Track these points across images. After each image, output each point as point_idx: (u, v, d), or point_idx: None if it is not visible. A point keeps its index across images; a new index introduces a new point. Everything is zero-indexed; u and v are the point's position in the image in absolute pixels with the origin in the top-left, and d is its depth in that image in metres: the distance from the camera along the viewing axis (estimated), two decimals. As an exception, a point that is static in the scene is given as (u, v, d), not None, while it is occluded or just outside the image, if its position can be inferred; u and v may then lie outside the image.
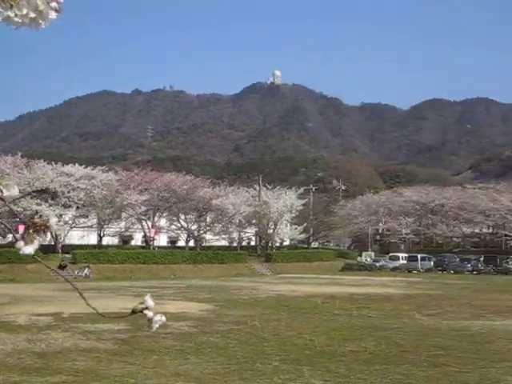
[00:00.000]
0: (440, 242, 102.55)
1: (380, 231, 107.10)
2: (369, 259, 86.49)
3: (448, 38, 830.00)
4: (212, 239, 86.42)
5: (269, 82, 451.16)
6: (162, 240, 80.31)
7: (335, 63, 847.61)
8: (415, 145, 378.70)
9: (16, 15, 1.40)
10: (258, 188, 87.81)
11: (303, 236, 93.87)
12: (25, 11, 1.39)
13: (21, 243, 1.54)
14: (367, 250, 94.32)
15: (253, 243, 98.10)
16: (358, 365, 15.00)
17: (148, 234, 73.79)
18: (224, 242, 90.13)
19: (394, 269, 75.67)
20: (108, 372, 13.83)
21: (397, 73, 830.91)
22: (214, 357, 15.86)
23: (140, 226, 75.72)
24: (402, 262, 78.80)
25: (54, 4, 1.45)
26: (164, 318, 1.83)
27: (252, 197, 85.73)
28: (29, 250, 1.55)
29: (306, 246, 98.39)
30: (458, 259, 78.84)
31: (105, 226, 72.51)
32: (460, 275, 67.54)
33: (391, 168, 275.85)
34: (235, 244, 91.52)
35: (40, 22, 1.43)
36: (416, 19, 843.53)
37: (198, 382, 12.99)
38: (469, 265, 74.60)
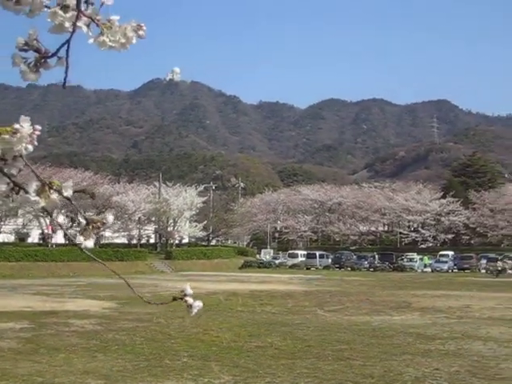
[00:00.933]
0: (337, 239, 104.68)
1: (279, 229, 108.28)
2: (268, 256, 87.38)
3: (344, 39, 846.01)
4: (111, 236, 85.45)
5: (167, 79, 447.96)
6: (59, 237, 78.82)
7: (234, 61, 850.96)
8: (312, 144, 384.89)
9: (110, 40, 1.50)
10: (157, 185, 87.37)
11: (203, 233, 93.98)
12: (118, 37, 1.50)
13: (81, 238, 1.65)
14: (266, 248, 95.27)
15: (152, 240, 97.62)
16: (265, 360, 15.23)
17: (46, 231, 72.35)
18: (123, 240, 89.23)
19: (293, 266, 76.67)
20: (15, 371, 13.57)
21: (295, 72, 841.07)
22: (122, 354, 15.79)
23: (38, 223, 74.16)
24: (300, 259, 79.91)
25: (141, 32, 1.56)
26: (201, 304, 1.96)
27: (152, 194, 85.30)
28: (90, 244, 1.73)
29: (205, 243, 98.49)
30: (355, 256, 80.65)
31: (1, 223, 70.70)
32: (357, 272, 69.14)
33: (289, 166, 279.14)
34: (135, 241, 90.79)
35: (127, 46, 1.54)
36: (313, 15, 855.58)
37: (108, 380, 12.91)
38: (365, 262, 76.44)
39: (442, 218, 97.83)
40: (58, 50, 1.48)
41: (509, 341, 18.58)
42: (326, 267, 76.53)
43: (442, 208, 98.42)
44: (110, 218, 1.69)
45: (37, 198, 1.54)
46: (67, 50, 1.46)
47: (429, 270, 74.12)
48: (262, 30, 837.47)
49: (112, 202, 74.79)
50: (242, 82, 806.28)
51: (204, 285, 42.45)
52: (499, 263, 62.79)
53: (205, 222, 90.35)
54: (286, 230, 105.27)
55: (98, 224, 1.65)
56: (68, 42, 1.43)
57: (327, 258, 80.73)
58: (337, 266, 77.99)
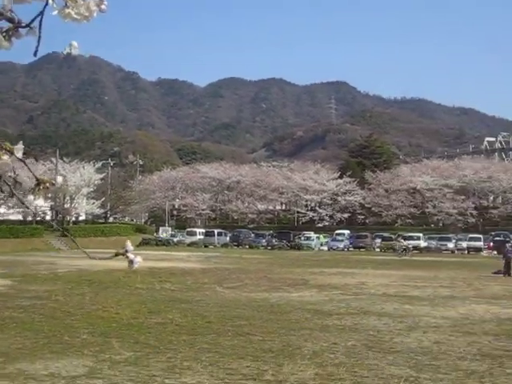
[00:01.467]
0: (236, 217, 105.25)
1: (177, 207, 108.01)
2: (165, 234, 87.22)
3: (244, 18, 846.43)
4: (6, 213, 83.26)
5: (65, 53, 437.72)
6: None
7: (133, 36, 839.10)
8: (211, 122, 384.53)
9: (75, 13, 1.54)
10: (54, 161, 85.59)
11: (100, 211, 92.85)
12: (82, 10, 1.54)
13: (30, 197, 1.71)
14: (164, 226, 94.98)
15: (48, 217, 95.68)
16: (166, 336, 15.30)
17: None
18: (19, 216, 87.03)
19: (192, 244, 76.79)
20: None
21: (195, 50, 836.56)
22: (20, 331, 15.54)
23: None
24: (199, 237, 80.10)
25: (103, 6, 1.60)
26: (141, 259, 2.03)
27: (49, 170, 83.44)
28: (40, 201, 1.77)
29: (102, 220, 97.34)
30: (253, 235, 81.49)
31: None
32: (255, 250, 69.91)
33: (188, 144, 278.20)
34: (30, 218, 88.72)
35: (89, 19, 1.59)
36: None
37: (7, 357, 12.70)
38: (263, 240, 77.32)
39: (339, 198, 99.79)
40: (32, 20, 1.51)
41: (402, 316, 19.26)
42: (225, 245, 77.04)
43: (339, 188, 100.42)
44: (60, 179, 1.76)
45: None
46: (40, 21, 1.49)
47: (325, 248, 75.68)
48: (162, 4, 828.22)
49: (6, 178, 72.60)
50: (142, 58, 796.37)
51: (102, 262, 41.99)
52: (404, 242, 64.65)
53: (102, 200, 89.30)
54: (185, 208, 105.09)
55: (47, 184, 1.72)
56: (42, 13, 1.47)
57: (225, 236, 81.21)
58: (235, 244, 78.57)
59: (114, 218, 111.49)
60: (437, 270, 40.37)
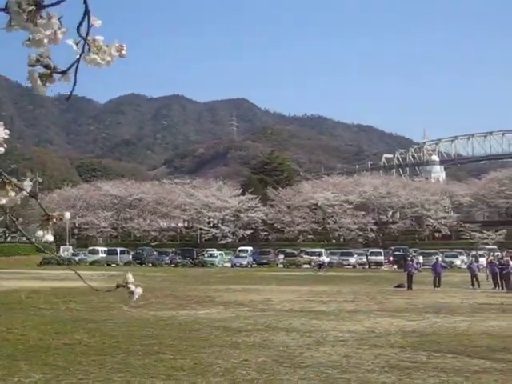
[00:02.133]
0: (138, 235, 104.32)
1: (77, 225, 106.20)
2: (66, 253, 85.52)
3: (143, 34, 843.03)
4: None
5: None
6: None
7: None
8: (112, 139, 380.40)
9: (100, 59, 1.56)
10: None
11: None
12: (105, 56, 1.56)
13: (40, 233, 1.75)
14: (65, 244, 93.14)
15: None
16: (75, 357, 15.01)
17: None
18: None
19: (94, 262, 75.55)
20: None
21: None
22: None
23: None
24: (101, 255, 78.96)
25: (123, 52, 1.63)
26: (141, 291, 2.05)
27: None
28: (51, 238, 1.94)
29: (2, 240, 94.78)
30: (155, 252, 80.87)
31: None
32: (159, 268, 69.34)
33: (87, 161, 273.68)
34: None
35: (111, 64, 1.62)
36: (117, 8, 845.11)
37: None
38: (167, 258, 76.82)
39: (241, 215, 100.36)
40: (68, 68, 1.53)
41: (310, 331, 19.49)
42: (128, 263, 76.08)
43: (242, 204, 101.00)
44: (68, 214, 1.80)
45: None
46: (76, 68, 1.52)
47: (229, 265, 75.79)
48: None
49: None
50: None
51: (2, 282, 40.93)
52: (320, 258, 65.53)
53: (1, 218, 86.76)
54: (86, 226, 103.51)
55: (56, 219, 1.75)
56: (78, 60, 1.49)
57: (128, 254, 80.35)
58: (138, 262, 77.76)
59: (13, 238, 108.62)
60: (340, 285, 41.07)
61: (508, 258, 40.29)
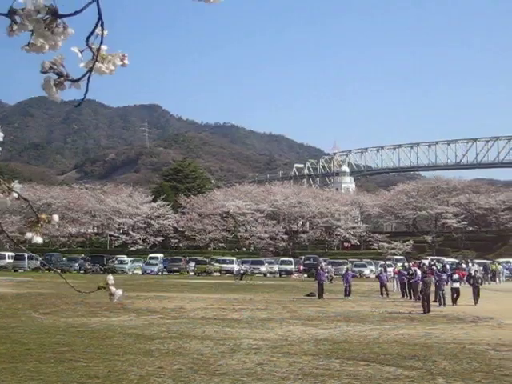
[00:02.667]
0: (46, 240, 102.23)
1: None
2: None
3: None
4: None
5: None
6: None
7: None
8: (20, 142, 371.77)
9: (105, 67, 1.58)
10: None
11: None
12: (110, 65, 1.57)
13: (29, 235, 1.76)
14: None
15: None
16: (-16, 365, 14.66)
17: None
18: None
19: (0, 268, 73.68)
20: None
21: (3, 65, 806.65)
22: None
23: None
24: (8, 260, 77.01)
25: (126, 61, 1.64)
26: (121, 292, 2.05)
27: None
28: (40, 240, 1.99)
29: None
30: (64, 258, 79.41)
31: None
32: (68, 274, 68.03)
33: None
34: None
35: (113, 73, 1.63)
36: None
37: None
38: (76, 264, 75.53)
39: (152, 221, 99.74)
40: (82, 76, 1.54)
41: (223, 339, 19.56)
42: (36, 269, 74.48)
43: (153, 211, 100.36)
44: (55, 217, 1.82)
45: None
46: (89, 77, 1.52)
47: (139, 272, 75.12)
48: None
49: None
50: None
51: None
52: (243, 266, 65.49)
53: None
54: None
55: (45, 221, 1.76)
56: (90, 70, 1.49)
57: (36, 259, 78.54)
58: (46, 268, 76.03)
59: None
60: (252, 293, 41.28)
61: (416, 268, 41.40)
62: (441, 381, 13.55)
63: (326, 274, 45.35)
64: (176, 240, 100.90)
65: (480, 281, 34.27)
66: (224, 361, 15.73)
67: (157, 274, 72.69)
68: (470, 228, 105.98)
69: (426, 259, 65.12)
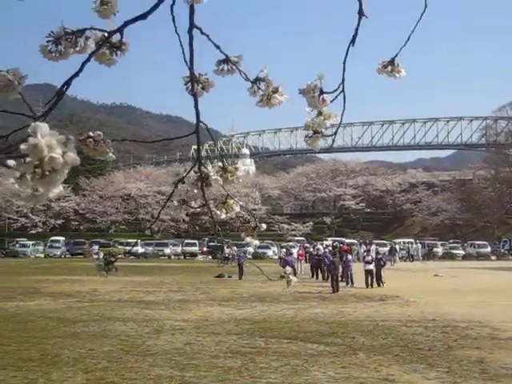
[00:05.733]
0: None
1: None
2: None
3: None
4: None
5: None
6: None
7: None
8: None
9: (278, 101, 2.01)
10: None
11: None
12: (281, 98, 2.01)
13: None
14: None
15: None
16: None
17: None
18: None
19: None
20: None
21: None
22: None
23: None
24: None
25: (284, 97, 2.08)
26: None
27: None
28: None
29: None
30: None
31: None
32: (-33, 258, 66.61)
33: None
34: None
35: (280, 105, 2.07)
36: None
37: None
38: (-26, 248, 73.97)
39: (53, 204, 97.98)
40: (334, 133, 1.96)
41: (146, 320, 19.93)
42: None
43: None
44: None
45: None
46: (337, 130, 1.96)
47: (42, 255, 74.04)
48: None
49: None
50: None
51: None
52: (227, 250, 64.85)
53: None
54: None
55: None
56: (340, 124, 1.94)
57: None
58: None
59: None
60: (161, 275, 41.58)
61: (320, 247, 42.83)
62: (362, 356, 14.38)
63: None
64: (77, 223, 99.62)
65: (382, 262, 35.33)
66: (152, 341, 16.15)
67: (60, 257, 71.85)
68: (368, 209, 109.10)
69: (326, 240, 66.94)
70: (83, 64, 1.62)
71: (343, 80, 1.93)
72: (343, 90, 1.94)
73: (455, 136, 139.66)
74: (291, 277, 2.37)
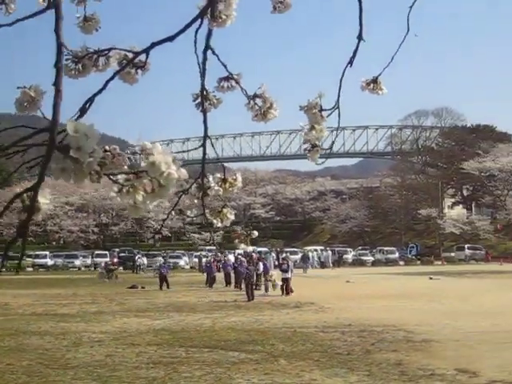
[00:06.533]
0: None
1: None
2: None
3: None
4: None
5: None
6: None
7: None
8: None
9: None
10: None
11: None
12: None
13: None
14: None
15: None
16: None
17: None
18: None
19: None
20: None
21: None
22: None
23: None
24: None
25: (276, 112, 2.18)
26: None
27: None
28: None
29: None
30: None
31: None
32: None
33: None
34: None
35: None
36: None
37: None
38: None
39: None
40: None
41: (63, 333, 19.64)
42: None
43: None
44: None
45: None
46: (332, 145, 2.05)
47: None
48: None
49: None
50: None
51: None
52: (139, 261, 63.60)
53: None
54: None
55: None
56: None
57: None
58: None
59: None
60: (73, 288, 40.82)
61: (230, 257, 43.02)
62: (283, 362, 14.57)
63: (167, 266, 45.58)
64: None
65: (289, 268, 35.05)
66: (71, 354, 15.95)
67: None
68: (278, 218, 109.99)
69: (237, 249, 67.12)
70: (107, 82, 1.68)
71: (338, 96, 2.05)
72: (338, 107, 2.07)
73: (361, 144, 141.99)
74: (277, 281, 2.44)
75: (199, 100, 1.96)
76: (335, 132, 2.30)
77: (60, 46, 1.54)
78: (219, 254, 57.01)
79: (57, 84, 1.48)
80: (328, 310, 25.32)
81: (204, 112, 1.95)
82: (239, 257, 39.30)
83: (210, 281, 41.14)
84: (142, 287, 39.65)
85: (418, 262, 79.32)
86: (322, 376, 12.97)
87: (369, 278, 46.62)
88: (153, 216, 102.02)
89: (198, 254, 67.04)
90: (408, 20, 2.13)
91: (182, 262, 71.17)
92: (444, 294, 31.86)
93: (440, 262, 77.21)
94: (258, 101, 1.98)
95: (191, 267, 67.96)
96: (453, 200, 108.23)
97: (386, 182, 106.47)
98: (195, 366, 14.19)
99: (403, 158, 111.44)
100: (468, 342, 16.74)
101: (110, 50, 1.80)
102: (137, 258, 64.60)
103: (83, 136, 1.35)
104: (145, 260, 64.82)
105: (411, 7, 2.15)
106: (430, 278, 45.32)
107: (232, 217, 2.25)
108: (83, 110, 1.69)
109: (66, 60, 1.76)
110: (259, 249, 69.79)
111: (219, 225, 2.25)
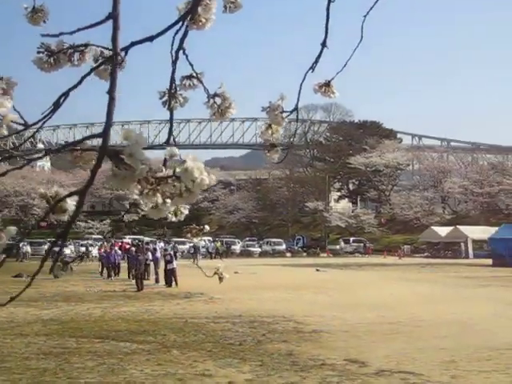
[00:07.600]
0: None
1: None
2: None
3: None
4: None
5: None
6: None
7: None
8: None
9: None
10: None
11: None
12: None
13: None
14: None
15: None
16: None
17: None
18: None
19: None
20: None
21: None
22: None
23: None
24: None
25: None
26: None
27: None
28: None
29: None
30: None
31: None
32: None
33: None
34: None
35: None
36: None
37: None
38: None
39: None
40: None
41: None
42: None
43: None
44: None
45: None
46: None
47: None
48: None
49: None
50: None
51: None
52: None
53: None
54: None
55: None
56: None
57: None
58: None
59: None
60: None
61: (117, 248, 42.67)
62: (176, 352, 14.60)
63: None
64: None
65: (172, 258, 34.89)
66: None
67: None
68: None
69: (125, 238, 66.60)
70: (83, 77, 1.68)
71: (298, 100, 2.13)
72: (297, 108, 2.15)
73: (250, 136, 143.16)
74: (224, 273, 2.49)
75: (166, 98, 1.99)
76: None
77: (116, 55, 1.56)
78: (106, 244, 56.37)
79: (111, 92, 1.50)
80: (218, 300, 25.46)
81: (171, 111, 1.98)
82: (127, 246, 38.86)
83: (108, 271, 40.05)
84: (28, 276, 38.66)
85: (305, 253, 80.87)
86: (215, 366, 13.08)
87: (257, 269, 47.06)
88: (38, 203, 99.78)
89: (85, 242, 65.99)
90: (362, 29, 2.22)
91: (67, 251, 69.74)
92: (331, 285, 32.65)
93: (325, 254, 78.99)
94: (218, 99, 2.03)
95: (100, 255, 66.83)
96: (339, 194, 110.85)
97: (275, 174, 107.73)
98: (87, 357, 14.03)
99: (292, 151, 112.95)
100: (356, 332, 17.25)
101: (86, 45, 1.80)
102: (21, 245, 62.87)
103: (135, 143, 1.38)
104: (29, 248, 63.24)
105: (365, 16, 2.24)
106: (317, 270, 46.29)
107: (186, 211, 2.27)
108: (57, 105, 1.69)
109: (39, 53, 1.76)
110: (146, 238, 69.51)
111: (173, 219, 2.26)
